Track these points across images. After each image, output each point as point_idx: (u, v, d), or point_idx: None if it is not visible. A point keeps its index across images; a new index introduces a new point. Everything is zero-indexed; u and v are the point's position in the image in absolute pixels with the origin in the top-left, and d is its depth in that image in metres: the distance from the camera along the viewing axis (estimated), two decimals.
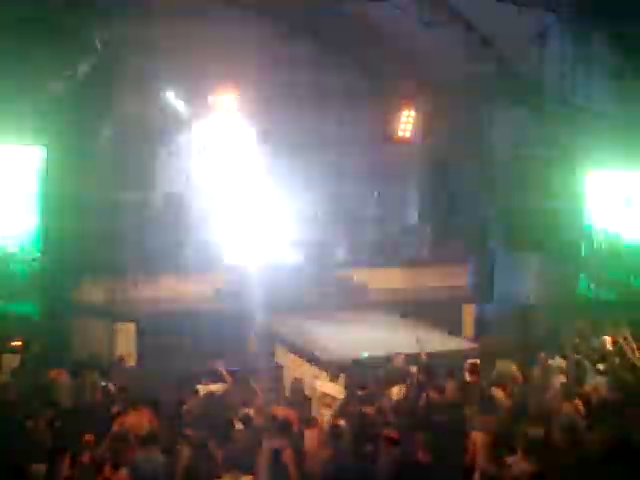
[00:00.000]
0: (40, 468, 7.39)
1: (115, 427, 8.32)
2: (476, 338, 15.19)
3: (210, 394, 9.64)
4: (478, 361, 11.94)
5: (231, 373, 10.42)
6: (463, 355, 12.30)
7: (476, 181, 17.82)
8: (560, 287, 16.54)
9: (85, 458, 7.56)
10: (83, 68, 12.26)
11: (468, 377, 10.93)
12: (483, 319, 16.23)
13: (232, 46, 15.71)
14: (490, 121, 17.17)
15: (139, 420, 8.37)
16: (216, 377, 10.29)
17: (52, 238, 13.30)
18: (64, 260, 13.33)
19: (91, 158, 13.23)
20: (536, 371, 11.15)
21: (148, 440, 7.66)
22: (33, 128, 12.49)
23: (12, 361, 11.28)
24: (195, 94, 15.98)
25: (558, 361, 11.46)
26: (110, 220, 13.52)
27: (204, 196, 17.57)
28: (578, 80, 15.66)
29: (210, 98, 15.77)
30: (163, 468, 7.25)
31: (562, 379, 10.56)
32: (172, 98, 15.87)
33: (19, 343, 11.56)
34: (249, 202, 17.91)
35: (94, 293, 13.97)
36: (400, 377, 10.37)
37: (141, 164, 15.74)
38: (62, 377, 10.48)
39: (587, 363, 11.45)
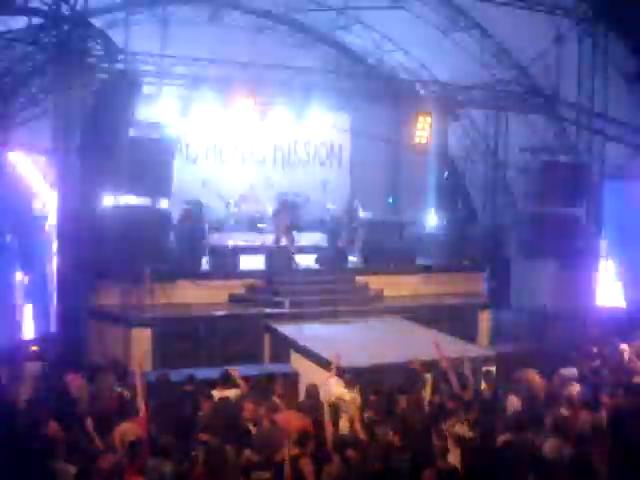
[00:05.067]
0: (67, 469, 7.46)
1: (115, 434, 8.38)
2: (492, 345, 15.12)
3: (225, 399, 9.65)
4: (494, 368, 11.93)
5: (245, 379, 10.43)
6: (479, 362, 12.25)
7: (492, 187, 17.78)
8: (577, 294, 16.45)
9: (104, 463, 7.60)
10: (100, 77, 12.37)
11: (484, 384, 10.91)
12: (499, 326, 16.15)
13: (251, 53, 15.80)
14: (507, 127, 17.12)
15: (132, 428, 8.41)
16: (231, 383, 10.30)
17: (69, 244, 13.37)
18: (81, 266, 13.40)
19: (108, 165, 13.29)
20: (554, 379, 11.08)
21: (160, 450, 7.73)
22: (51, 136, 12.59)
23: (33, 368, 11.35)
24: (214, 100, 16.05)
25: (574, 369, 11.39)
26: (127, 226, 13.56)
27: (221, 202, 17.70)
28: (595, 85, 15.60)
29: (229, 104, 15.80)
30: (173, 476, 7.28)
31: (578, 388, 10.49)
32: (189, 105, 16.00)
33: (36, 348, 11.63)
34: (266, 207, 18.00)
35: (111, 298, 14.03)
36: (415, 383, 10.35)
37: (158, 171, 15.81)
38: (78, 382, 10.53)
39: (605, 371, 11.40)
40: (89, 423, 8.25)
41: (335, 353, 10.77)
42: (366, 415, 9.18)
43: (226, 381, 10.31)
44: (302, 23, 17.84)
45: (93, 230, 13.25)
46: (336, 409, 9.22)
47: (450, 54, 16.49)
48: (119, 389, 10.27)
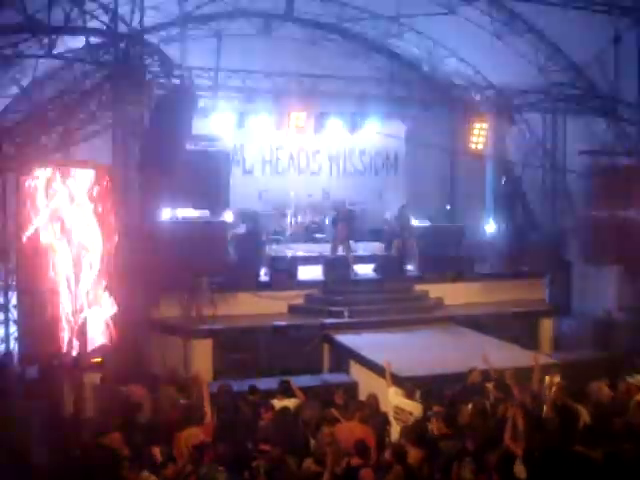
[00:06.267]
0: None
1: (180, 439, 8.46)
2: (555, 353, 14.84)
3: (285, 409, 9.65)
4: (558, 377, 11.69)
5: (304, 389, 10.42)
6: (543, 370, 12.01)
7: (552, 192, 17.49)
8: None
9: (169, 471, 7.68)
10: (157, 92, 12.57)
11: (548, 393, 10.69)
12: (561, 334, 15.85)
13: (304, 64, 15.88)
14: (565, 130, 16.83)
15: (197, 433, 8.48)
16: (290, 392, 10.31)
17: (130, 258, 13.56)
18: (142, 278, 13.57)
19: (167, 179, 13.47)
20: (620, 387, 10.78)
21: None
22: (111, 152, 12.82)
23: (93, 378, 11.50)
24: (268, 112, 16.17)
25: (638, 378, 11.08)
26: (186, 239, 13.71)
27: (278, 213, 17.79)
28: None
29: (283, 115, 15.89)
30: None
31: None
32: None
33: (99, 360, 11.79)
34: (322, 218, 18.04)
35: (171, 310, 14.20)
36: (476, 393, 10.20)
37: (216, 183, 15.98)
38: (140, 392, 10.65)
39: None
40: (156, 451, 8.27)
41: (387, 361, 10.67)
42: (428, 425, 9.08)
43: (284, 391, 10.32)
44: (354, 32, 17.85)
45: (153, 243, 13.44)
46: (396, 419, 9.15)
47: (505, 58, 16.28)
48: (182, 400, 10.36)
